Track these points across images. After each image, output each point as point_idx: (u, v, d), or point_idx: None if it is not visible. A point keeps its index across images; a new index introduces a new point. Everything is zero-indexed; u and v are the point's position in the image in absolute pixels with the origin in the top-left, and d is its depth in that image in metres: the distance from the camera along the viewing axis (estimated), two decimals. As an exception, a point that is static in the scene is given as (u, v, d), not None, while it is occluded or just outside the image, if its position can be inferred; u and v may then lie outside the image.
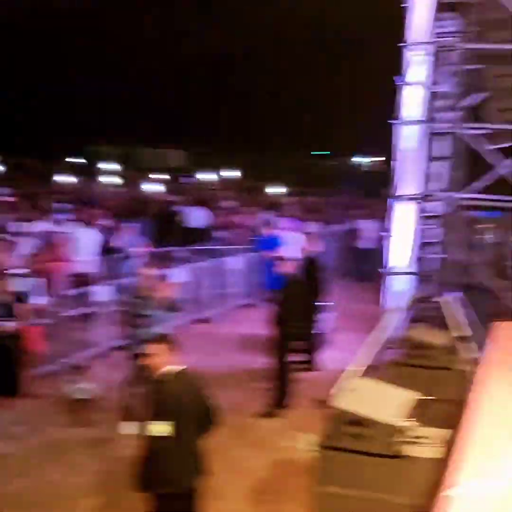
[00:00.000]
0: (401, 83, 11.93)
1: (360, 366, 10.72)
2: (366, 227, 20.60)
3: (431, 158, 11.41)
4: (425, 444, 4.94)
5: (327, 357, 12.24)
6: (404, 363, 7.39)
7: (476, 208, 12.12)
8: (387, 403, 5.07)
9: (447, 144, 11.14)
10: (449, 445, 4.96)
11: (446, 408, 7.09)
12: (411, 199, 11.84)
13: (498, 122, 10.97)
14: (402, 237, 12.32)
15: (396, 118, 12.23)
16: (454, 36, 10.85)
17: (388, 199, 12.52)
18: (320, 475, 4.88)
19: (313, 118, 33.24)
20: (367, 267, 20.09)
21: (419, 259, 11.18)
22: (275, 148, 39.92)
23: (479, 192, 11.87)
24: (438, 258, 11.10)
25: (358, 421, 4.80)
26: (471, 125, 11.78)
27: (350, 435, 4.82)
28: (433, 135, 11.58)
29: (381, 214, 18.40)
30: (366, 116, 30.09)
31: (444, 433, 5.19)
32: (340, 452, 4.87)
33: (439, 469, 4.80)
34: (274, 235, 15.92)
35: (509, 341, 7.62)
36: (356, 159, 41.16)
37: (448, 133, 10.94)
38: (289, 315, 9.84)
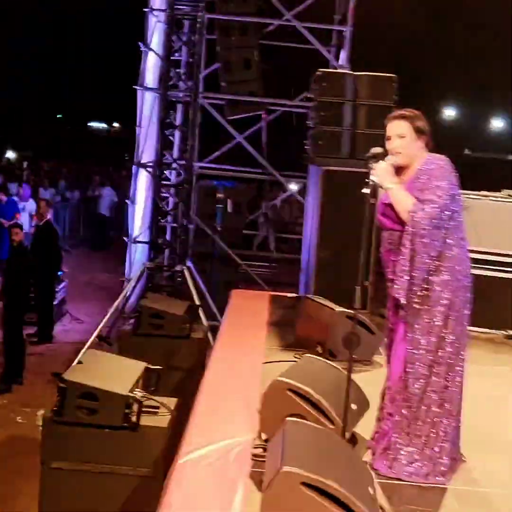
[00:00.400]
0: (144, 49, 11.86)
1: (95, 338, 10.62)
2: (106, 194, 20.36)
3: (171, 126, 11.46)
4: (159, 413, 4.96)
5: (62, 329, 11.98)
6: (141, 333, 7.37)
7: (213, 177, 12.37)
8: (119, 375, 5.02)
9: (187, 112, 11.23)
10: (184, 413, 5.05)
11: (182, 377, 7.23)
12: (150, 166, 11.84)
13: (231, 93, 11.26)
14: (143, 206, 12.32)
15: (139, 84, 12.14)
16: (192, 5, 10.92)
17: (132, 167, 12.43)
18: (48, 451, 4.75)
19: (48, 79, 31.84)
20: (107, 235, 19.92)
21: (158, 228, 11.22)
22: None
23: (217, 162, 12.17)
24: (175, 227, 11.20)
25: (89, 394, 4.71)
26: (208, 94, 12.00)
27: (81, 408, 4.71)
28: (174, 103, 11.64)
29: (123, 181, 18.38)
30: (106, 81, 29.59)
31: (178, 401, 5.25)
32: (71, 426, 4.75)
33: (173, 437, 4.86)
34: (6, 201, 15.18)
35: (245, 308, 7.93)
36: (94, 124, 40.31)
37: (187, 102, 11.04)
38: (18, 286, 9.46)
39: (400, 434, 4.09)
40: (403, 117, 4.17)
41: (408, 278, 4.01)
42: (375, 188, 4.10)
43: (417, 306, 4.04)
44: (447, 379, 4.09)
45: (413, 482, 4.02)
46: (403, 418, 4.10)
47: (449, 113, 40.11)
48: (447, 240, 4.05)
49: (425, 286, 4.04)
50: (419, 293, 4.03)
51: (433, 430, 4.07)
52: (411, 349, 4.07)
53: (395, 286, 4.06)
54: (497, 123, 42.16)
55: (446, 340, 4.06)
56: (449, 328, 4.06)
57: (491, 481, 4.20)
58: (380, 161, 4.09)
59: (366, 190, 4.02)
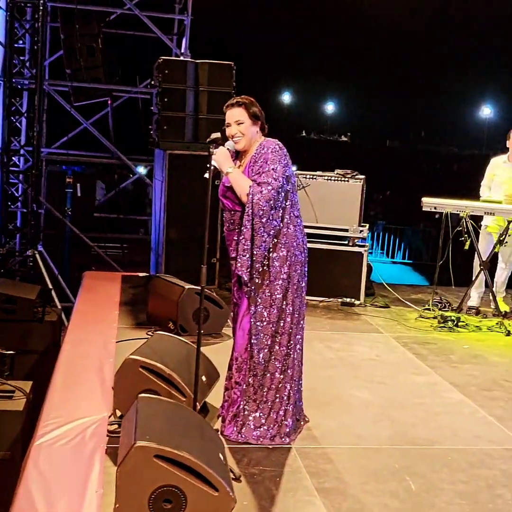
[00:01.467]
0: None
1: None
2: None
3: (18, 113, 11.01)
4: (14, 397, 4.79)
5: None
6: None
7: (63, 162, 12.01)
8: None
9: (33, 99, 10.79)
10: (39, 396, 4.91)
11: (37, 360, 7.00)
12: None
13: (76, 80, 10.95)
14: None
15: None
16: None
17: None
18: None
19: None
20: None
21: (8, 214, 10.78)
22: None
23: (66, 147, 11.83)
24: (26, 212, 10.81)
25: None
26: (53, 82, 11.65)
27: None
28: (20, 91, 11.18)
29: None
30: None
31: (33, 384, 5.10)
32: None
33: (29, 420, 4.72)
34: None
35: (97, 289, 7.79)
36: None
37: (33, 89, 10.60)
38: None
39: (248, 402, 4.16)
40: (239, 104, 4.21)
41: (249, 256, 4.06)
42: (216, 171, 4.12)
43: (259, 281, 4.11)
44: (288, 347, 4.19)
45: (260, 444, 4.11)
46: (249, 386, 4.17)
47: (286, 98, 40.95)
48: (284, 218, 4.14)
49: (265, 262, 4.10)
50: (260, 269, 4.09)
51: (278, 395, 4.17)
52: (254, 322, 4.13)
53: (238, 264, 4.09)
54: (330, 107, 43.49)
55: (287, 311, 4.15)
56: (289, 300, 4.15)
57: (329, 438, 4.36)
58: (220, 147, 4.12)
59: (207, 175, 4.04)
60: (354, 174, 7.98)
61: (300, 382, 4.37)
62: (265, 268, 4.12)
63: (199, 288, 4.05)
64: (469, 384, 5.49)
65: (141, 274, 8.49)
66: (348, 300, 7.79)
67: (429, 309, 7.60)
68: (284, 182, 4.10)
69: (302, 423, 4.42)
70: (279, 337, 4.17)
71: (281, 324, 4.16)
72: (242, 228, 4.07)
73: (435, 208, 7.66)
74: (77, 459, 3.79)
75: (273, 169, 4.08)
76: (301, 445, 4.20)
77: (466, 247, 7.34)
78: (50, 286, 9.44)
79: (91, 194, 12.73)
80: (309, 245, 7.33)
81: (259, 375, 4.16)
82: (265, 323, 4.15)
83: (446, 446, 4.34)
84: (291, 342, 4.20)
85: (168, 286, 6.40)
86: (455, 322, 7.17)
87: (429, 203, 7.69)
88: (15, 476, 3.77)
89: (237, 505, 3.31)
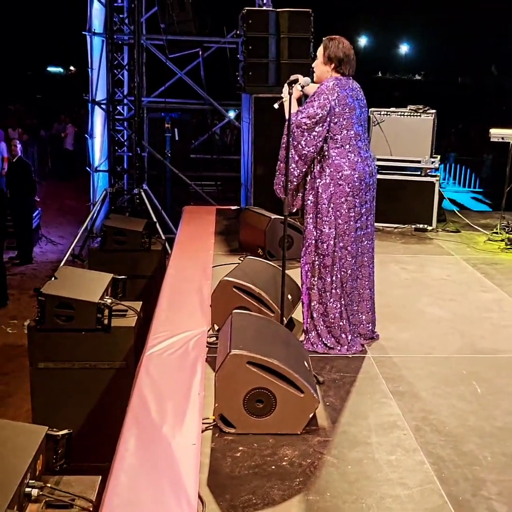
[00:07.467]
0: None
1: (69, 256, 10.52)
2: (68, 130, 19.84)
3: (120, 67, 11.09)
4: (127, 315, 4.97)
5: (39, 251, 11.82)
6: (107, 249, 7.32)
7: (161, 110, 12.10)
8: (90, 285, 5.00)
9: (133, 53, 10.82)
10: (148, 314, 5.09)
11: (145, 284, 7.24)
12: (103, 104, 11.54)
13: (170, 34, 10.91)
14: (100, 139, 12.06)
15: (88, 30, 11.70)
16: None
17: (88, 105, 12.13)
18: (34, 354, 4.75)
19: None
20: (72, 167, 19.46)
21: (115, 158, 11.00)
22: None
23: (163, 96, 11.90)
24: (131, 156, 11.00)
25: (64, 303, 4.69)
26: (150, 36, 11.67)
27: (59, 316, 4.71)
28: (121, 46, 11.24)
29: (82, 118, 17.82)
30: (57, 27, 28.25)
31: (143, 304, 5.28)
32: (52, 332, 4.75)
33: (140, 335, 4.91)
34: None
35: (196, 221, 7.91)
36: (52, 69, 38.61)
37: (132, 44, 10.63)
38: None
39: (307, 319, 4.21)
40: (323, 43, 4.16)
41: (282, 174, 4.14)
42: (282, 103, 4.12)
43: (308, 203, 4.15)
44: (333, 268, 4.11)
45: (340, 354, 4.17)
46: (304, 305, 4.22)
47: (363, 41, 39.57)
48: (323, 148, 4.05)
49: (310, 187, 4.14)
50: (296, 189, 4.21)
51: (329, 312, 4.15)
52: (304, 240, 4.18)
53: (275, 181, 4.26)
54: (404, 48, 41.79)
55: (331, 235, 4.07)
56: (332, 225, 4.07)
57: (403, 348, 4.37)
58: (294, 86, 4.07)
59: (276, 105, 4.09)
60: (425, 109, 7.71)
61: (354, 301, 4.24)
62: (311, 191, 4.09)
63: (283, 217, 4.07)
64: (534, 300, 5.37)
65: (233, 207, 8.55)
66: (421, 226, 7.65)
67: (496, 233, 7.39)
68: (323, 114, 3.97)
69: (376, 336, 4.43)
70: (322, 258, 4.11)
71: (324, 247, 4.08)
72: (279, 149, 4.06)
73: (502, 138, 7.35)
74: (182, 366, 3.93)
75: (311, 100, 4.03)
76: (378, 354, 4.23)
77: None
78: (155, 220, 9.68)
79: (187, 138, 12.81)
80: (384, 176, 7.22)
81: (307, 294, 4.19)
82: (308, 242, 4.14)
83: (510, 355, 4.29)
84: (336, 264, 4.10)
85: (257, 216, 6.45)
86: (522, 244, 6.96)
87: (496, 134, 7.39)
88: (130, 382, 3.95)
89: (320, 406, 3.40)
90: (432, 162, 7.69)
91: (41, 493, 2.68)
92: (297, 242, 6.00)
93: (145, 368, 3.90)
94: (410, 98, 8.69)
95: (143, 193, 10.49)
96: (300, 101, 4.23)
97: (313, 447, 3.15)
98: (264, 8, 10.21)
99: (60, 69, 38.62)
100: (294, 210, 4.23)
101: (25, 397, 5.36)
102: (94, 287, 4.97)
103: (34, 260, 11.29)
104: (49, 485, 2.75)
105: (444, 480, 2.92)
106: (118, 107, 11.03)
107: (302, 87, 4.14)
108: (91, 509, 2.71)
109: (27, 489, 2.65)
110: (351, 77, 4.17)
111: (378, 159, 7.35)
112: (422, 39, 37.09)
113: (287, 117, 4.03)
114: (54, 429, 2.97)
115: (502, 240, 7.15)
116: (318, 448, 3.15)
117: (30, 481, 2.68)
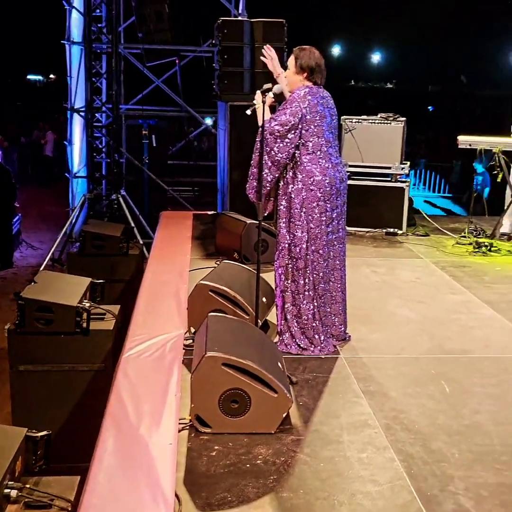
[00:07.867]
0: (68, 7, 11.37)
1: (48, 260, 10.44)
2: (48, 137, 19.73)
3: (98, 75, 11.07)
4: (105, 319, 4.96)
5: (20, 256, 11.72)
6: (86, 253, 7.28)
7: (139, 117, 12.09)
8: (69, 289, 4.98)
9: (111, 62, 10.80)
10: (126, 317, 5.08)
11: (123, 288, 7.21)
12: (82, 111, 11.48)
13: (147, 43, 10.91)
14: (79, 145, 12.00)
15: (67, 39, 11.64)
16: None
17: (68, 112, 12.07)
18: (15, 357, 4.72)
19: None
20: (52, 173, 19.33)
21: (94, 164, 10.96)
22: None
23: (141, 103, 11.90)
24: (109, 162, 10.97)
25: (44, 307, 4.67)
26: (127, 45, 11.65)
27: (38, 320, 4.69)
28: (99, 54, 11.22)
29: (61, 125, 17.73)
30: (37, 35, 28.02)
31: (121, 308, 5.27)
32: (32, 335, 4.72)
33: (118, 337, 4.90)
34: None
35: (173, 226, 7.91)
36: (31, 77, 38.33)
37: (110, 52, 10.61)
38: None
39: (281, 320, 4.24)
40: (294, 53, 4.21)
41: (254, 178, 4.19)
42: (254, 109, 4.12)
43: (281, 208, 4.19)
44: (305, 271, 4.14)
45: (313, 355, 4.19)
46: (278, 307, 4.25)
47: (336, 51, 39.80)
48: (294, 155, 4.08)
49: (282, 193, 4.19)
50: (266, 193, 4.20)
51: (302, 313, 4.18)
52: (278, 243, 4.22)
53: (247, 186, 4.26)
54: (376, 57, 42.12)
55: (302, 238, 4.10)
56: (304, 229, 4.10)
57: (374, 349, 4.41)
58: (267, 94, 4.10)
59: (249, 112, 4.08)
60: (395, 116, 7.80)
61: (327, 303, 4.26)
62: (284, 196, 4.13)
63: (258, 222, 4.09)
64: (500, 302, 5.44)
65: (209, 212, 8.56)
66: (391, 230, 7.73)
67: (465, 237, 7.49)
68: (295, 122, 4.01)
69: (348, 337, 4.47)
70: (295, 261, 4.13)
71: (297, 250, 4.11)
72: (252, 155, 4.10)
73: (470, 145, 7.46)
74: (159, 368, 3.93)
75: (283, 108, 4.08)
76: (350, 354, 4.27)
77: (499, 179, 7.17)
78: (133, 225, 9.65)
79: (164, 144, 12.81)
80: (356, 182, 7.27)
81: (281, 296, 4.21)
82: (281, 246, 4.18)
83: (478, 355, 4.35)
84: (308, 267, 4.13)
85: (233, 221, 6.47)
86: (489, 247, 7.06)
87: (464, 141, 7.49)
88: (109, 384, 3.94)
89: (294, 405, 3.42)
90: (402, 168, 7.77)
91: (20, 494, 2.67)
92: (272, 246, 6.01)
93: (123, 370, 3.89)
94: (384, 106, 8.77)
95: (121, 199, 10.46)
96: (273, 109, 4.26)
97: (287, 446, 3.18)
98: (239, 18, 10.26)
99: (40, 77, 38.34)
100: (265, 214, 4.25)
101: (5, 399, 5.30)
102: (73, 291, 4.95)
103: (14, 264, 11.19)
104: (28, 486, 2.74)
105: (413, 476, 2.96)
106: (96, 115, 11.01)
107: (275, 94, 4.17)
108: (69, 509, 2.71)
109: (6, 491, 2.64)
110: (321, 86, 4.22)
111: (350, 166, 7.41)
112: (394, 48, 37.43)
113: (260, 123, 4.06)
114: (34, 431, 2.96)
115: (470, 244, 7.24)
116: (291, 446, 3.17)
117: (9, 482, 2.66)
